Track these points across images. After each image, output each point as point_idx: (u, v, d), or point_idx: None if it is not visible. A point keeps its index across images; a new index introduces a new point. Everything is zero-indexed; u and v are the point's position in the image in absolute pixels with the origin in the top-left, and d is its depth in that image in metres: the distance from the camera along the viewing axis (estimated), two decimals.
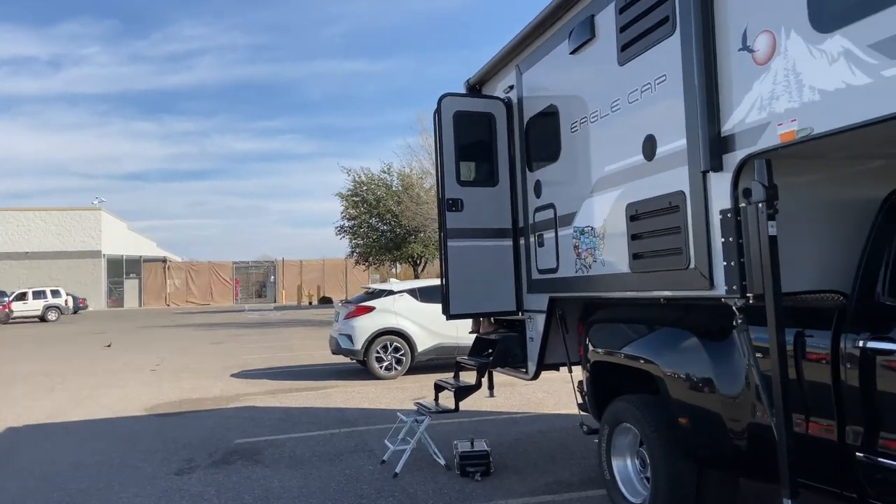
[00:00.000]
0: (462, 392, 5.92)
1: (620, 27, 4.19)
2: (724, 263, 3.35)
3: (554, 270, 5.13)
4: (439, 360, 11.62)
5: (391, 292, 11.73)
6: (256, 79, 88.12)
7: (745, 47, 3.23)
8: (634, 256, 4.07)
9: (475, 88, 6.57)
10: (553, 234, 5.12)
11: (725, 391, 3.70)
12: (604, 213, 4.42)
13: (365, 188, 32.23)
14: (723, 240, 3.35)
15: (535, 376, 5.65)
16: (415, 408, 6.27)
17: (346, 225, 33.02)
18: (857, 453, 3.00)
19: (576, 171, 4.79)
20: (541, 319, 5.44)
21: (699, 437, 3.92)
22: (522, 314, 5.77)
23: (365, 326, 11.29)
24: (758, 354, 3.30)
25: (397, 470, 5.64)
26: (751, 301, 3.27)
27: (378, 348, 11.26)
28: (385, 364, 11.27)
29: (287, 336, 20.80)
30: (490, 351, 6.33)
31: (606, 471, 4.62)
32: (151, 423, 8.32)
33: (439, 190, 5.84)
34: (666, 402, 4.11)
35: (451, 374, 6.58)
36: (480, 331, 6.49)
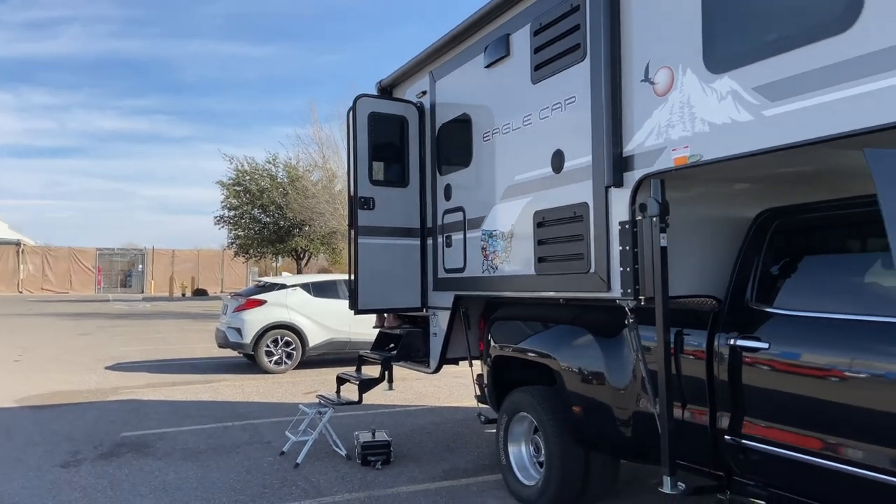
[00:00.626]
0: (366, 384, 6.10)
1: (535, 48, 4.55)
2: (621, 269, 3.77)
3: (461, 270, 5.43)
4: (331, 356, 11.69)
5: (284, 286, 11.66)
6: (127, 54, 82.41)
7: (647, 79, 3.67)
8: (539, 260, 4.45)
9: (387, 90, 6.76)
10: (461, 236, 5.42)
11: (615, 383, 4.14)
12: (512, 218, 4.77)
13: (248, 178, 31.34)
14: (620, 248, 3.78)
15: (437, 370, 5.93)
16: (316, 400, 6.37)
17: (227, 215, 31.96)
18: (726, 436, 3.49)
19: (486, 177, 5.12)
20: (445, 316, 5.73)
21: (590, 425, 4.35)
22: (427, 311, 6.04)
23: (255, 320, 11.15)
24: (645, 350, 3.76)
25: (299, 460, 5.74)
26: (641, 303, 3.71)
27: (268, 342, 11.16)
28: (275, 358, 11.19)
29: (162, 328, 19.93)
30: (393, 345, 6.56)
31: (503, 456, 4.99)
32: (26, 416, 7.85)
33: (351, 187, 6.00)
34: (561, 393, 4.52)
35: (352, 368, 6.74)
36: (385, 325, 6.69)
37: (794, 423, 3.13)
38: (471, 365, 5.75)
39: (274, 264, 40.78)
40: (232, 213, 31.67)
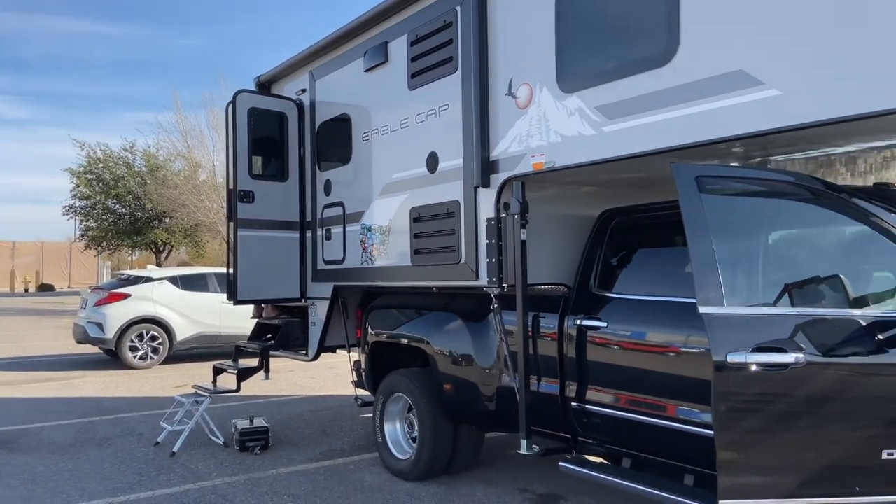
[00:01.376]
0: (244, 373, 6.25)
1: (411, 57, 4.95)
2: (488, 260, 4.27)
3: (340, 262, 5.74)
4: (200, 350, 11.51)
5: (150, 279, 11.33)
6: None
7: (511, 94, 4.18)
8: (415, 252, 4.86)
9: (265, 86, 6.91)
10: (341, 230, 5.73)
11: (482, 363, 4.64)
12: (390, 213, 5.15)
13: (101, 165, 29.55)
14: (487, 241, 4.27)
15: (315, 357, 6.20)
16: (192, 391, 6.42)
17: (78, 205, 29.98)
18: (572, 403, 4.07)
19: (365, 174, 5.46)
20: (324, 306, 6.01)
21: (459, 401, 4.82)
22: (305, 301, 6.29)
23: (118, 314, 10.77)
24: (508, 332, 4.28)
25: (175, 449, 5.80)
26: (504, 290, 4.22)
27: (133, 337, 10.82)
28: (140, 353, 10.87)
29: (7, 325, 18.48)
30: (270, 336, 6.73)
31: (379, 434, 5.36)
32: None
33: (231, 181, 6.12)
34: (434, 374, 4.96)
35: (228, 361, 6.83)
36: (263, 316, 6.84)
37: (626, 388, 3.75)
38: (349, 352, 6.07)
39: (130, 258, 38.57)
40: (83, 202, 29.73)
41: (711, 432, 2.60)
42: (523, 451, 4.11)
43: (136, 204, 29.68)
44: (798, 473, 2.44)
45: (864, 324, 2.54)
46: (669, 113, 3.25)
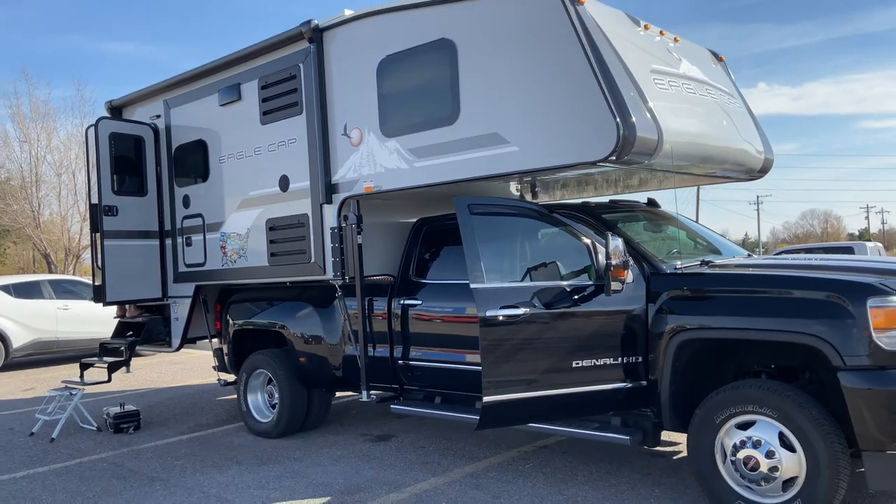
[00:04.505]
0: (114, 365, 7.07)
1: (262, 98, 6.16)
2: (332, 259, 5.64)
3: (202, 265, 6.79)
4: (38, 356, 11.63)
5: None
6: None
7: (346, 134, 5.58)
8: (272, 254, 6.10)
9: (117, 110, 7.69)
10: (202, 237, 6.77)
11: (329, 340, 6.01)
12: (248, 223, 6.32)
13: None
14: (332, 245, 5.64)
15: (179, 348, 7.19)
16: (62, 386, 7.11)
17: None
18: (399, 361, 5.57)
19: (223, 191, 6.57)
20: (186, 303, 7.01)
21: (313, 370, 6.15)
22: (167, 300, 7.23)
23: None
24: (350, 313, 5.70)
25: (54, 435, 6.54)
26: (346, 281, 5.62)
27: None
28: None
29: None
30: (131, 333, 7.55)
31: (243, 405, 6.54)
32: None
33: (95, 197, 6.92)
34: (291, 352, 6.25)
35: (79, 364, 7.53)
36: (126, 315, 7.62)
37: (436, 345, 5.33)
38: (210, 341, 7.12)
39: None
40: None
41: None
42: (364, 399, 5.56)
43: None
44: (527, 377, 4.11)
45: (567, 289, 4.27)
46: (455, 157, 4.84)
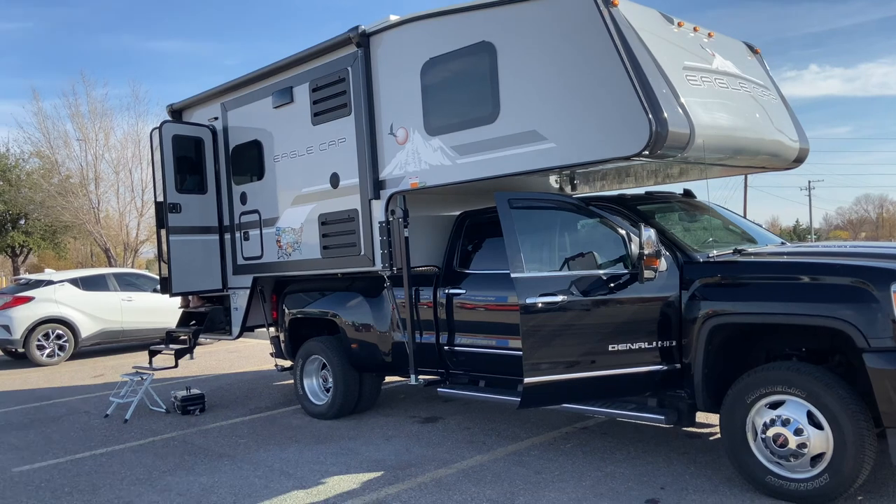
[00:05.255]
0: (181, 352, 7.59)
1: (313, 101, 6.53)
2: (381, 251, 5.99)
3: (259, 258, 7.23)
4: (105, 345, 12.37)
5: (50, 282, 12.03)
6: None
7: (392, 133, 5.91)
8: (325, 247, 6.49)
9: (178, 112, 8.19)
10: (258, 232, 7.21)
11: (379, 327, 6.37)
12: (301, 218, 6.72)
13: None
14: (380, 238, 5.99)
15: (238, 336, 7.67)
16: (133, 371, 7.66)
17: None
18: (445, 347, 5.90)
19: (278, 188, 6.99)
20: (245, 294, 7.48)
21: (364, 356, 6.53)
22: (227, 291, 7.71)
23: (24, 316, 11.48)
24: (398, 301, 6.05)
25: (127, 417, 7.08)
26: (394, 272, 5.97)
27: (39, 336, 11.55)
28: (47, 351, 11.62)
29: None
30: (195, 322, 8.07)
31: (300, 388, 6.96)
32: None
33: (160, 195, 7.43)
34: (343, 339, 6.64)
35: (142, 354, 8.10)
36: (190, 306, 8.14)
37: (479, 332, 5.63)
38: (268, 329, 7.58)
39: None
40: None
41: None
42: (413, 382, 5.91)
43: None
44: (565, 360, 4.39)
45: (603, 278, 4.52)
46: (496, 154, 5.12)
